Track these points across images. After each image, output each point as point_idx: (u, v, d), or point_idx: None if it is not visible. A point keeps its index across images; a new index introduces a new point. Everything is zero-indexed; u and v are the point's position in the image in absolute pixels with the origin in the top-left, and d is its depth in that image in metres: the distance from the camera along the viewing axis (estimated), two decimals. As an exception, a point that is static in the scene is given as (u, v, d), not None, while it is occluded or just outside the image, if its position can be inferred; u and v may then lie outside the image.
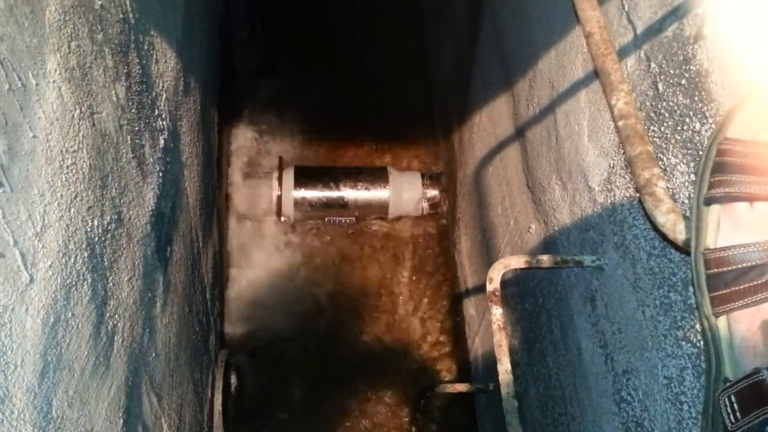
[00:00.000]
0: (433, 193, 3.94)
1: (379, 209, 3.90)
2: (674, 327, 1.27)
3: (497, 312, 1.73)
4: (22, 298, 0.97)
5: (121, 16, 1.49)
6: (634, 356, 1.47)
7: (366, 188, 3.84)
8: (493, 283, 1.71)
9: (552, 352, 2.08)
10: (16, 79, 0.94)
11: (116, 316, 1.47)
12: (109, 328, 1.41)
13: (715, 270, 0.88)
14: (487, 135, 2.93)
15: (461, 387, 3.10)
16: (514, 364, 2.42)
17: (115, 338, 1.47)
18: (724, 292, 0.87)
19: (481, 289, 3.17)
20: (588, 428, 1.79)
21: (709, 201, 0.89)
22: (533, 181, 2.24)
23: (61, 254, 1.12)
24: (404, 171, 4.03)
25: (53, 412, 1.10)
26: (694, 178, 1.16)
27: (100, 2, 1.32)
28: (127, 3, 1.53)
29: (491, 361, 2.33)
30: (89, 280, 1.27)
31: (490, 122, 2.87)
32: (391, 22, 4.59)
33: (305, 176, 3.83)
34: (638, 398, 1.46)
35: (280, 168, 3.83)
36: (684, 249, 0.98)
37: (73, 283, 1.19)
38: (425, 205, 3.96)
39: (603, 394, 1.67)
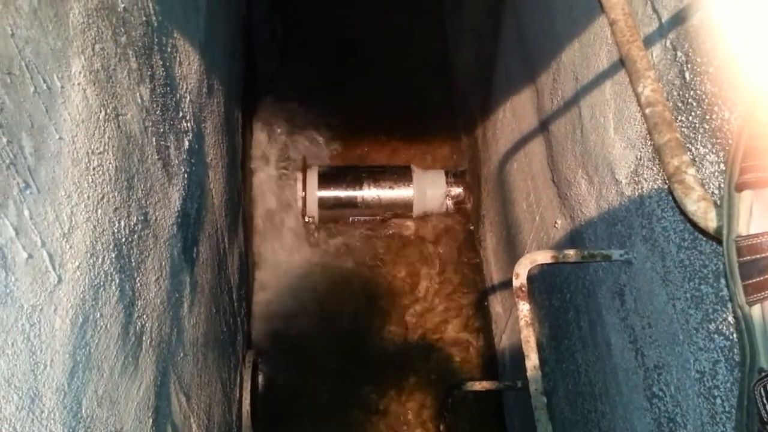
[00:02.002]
0: (457, 190, 3.92)
1: (404, 208, 3.90)
2: (706, 320, 1.25)
3: (524, 308, 1.72)
4: (51, 298, 0.98)
5: (144, 18, 1.50)
6: (665, 351, 1.44)
7: (390, 187, 3.84)
8: (520, 279, 1.70)
9: (581, 348, 2.06)
10: (41, 82, 0.94)
11: (144, 317, 1.48)
12: (137, 328, 1.42)
13: (748, 257, 0.86)
14: (510, 130, 2.91)
15: (489, 384, 3.08)
16: (543, 361, 2.40)
17: (144, 338, 1.48)
18: (758, 279, 0.85)
19: (507, 285, 3.15)
20: (619, 425, 1.77)
21: (741, 186, 0.87)
22: (559, 176, 2.21)
23: (88, 255, 1.13)
24: (428, 169, 4.02)
25: (83, 411, 1.11)
26: (724, 168, 1.14)
27: (123, 5, 1.33)
28: (150, 6, 1.54)
29: (519, 358, 2.31)
30: (117, 281, 1.28)
31: (513, 117, 2.85)
32: (409, 20, 4.59)
33: (329, 176, 3.84)
34: (670, 393, 1.43)
35: (304, 168, 3.84)
36: (715, 237, 0.96)
37: (101, 283, 1.20)
38: (450, 202, 3.94)
39: (634, 390, 1.64)
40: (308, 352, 3.65)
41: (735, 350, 1.15)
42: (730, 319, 1.16)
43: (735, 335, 1.14)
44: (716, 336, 1.21)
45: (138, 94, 1.44)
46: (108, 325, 1.23)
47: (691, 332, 1.31)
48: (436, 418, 3.47)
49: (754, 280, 0.85)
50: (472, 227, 3.99)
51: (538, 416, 1.74)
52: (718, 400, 1.22)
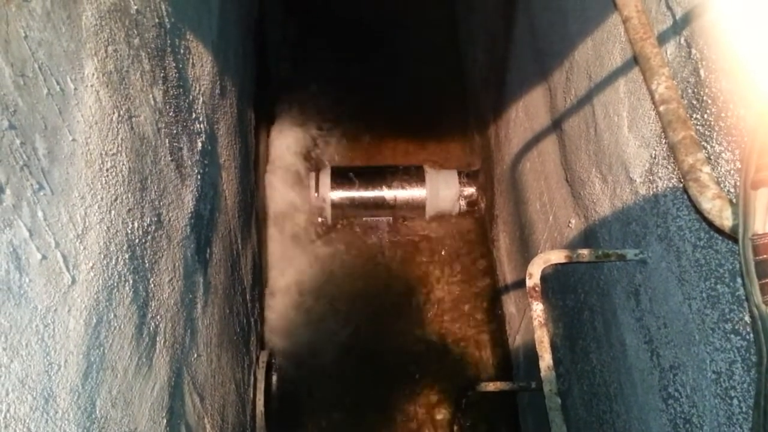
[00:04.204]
0: (470, 190, 3.91)
1: (417, 208, 3.89)
2: (722, 320, 1.24)
3: (538, 308, 1.71)
4: (65, 299, 0.98)
5: (157, 20, 1.50)
6: (681, 351, 1.43)
7: (403, 187, 3.83)
8: (533, 279, 1.69)
9: (595, 349, 2.05)
10: (54, 84, 0.95)
11: (158, 317, 1.49)
12: (151, 328, 1.43)
13: (765, 256, 0.85)
14: (523, 130, 2.90)
15: (503, 385, 3.06)
16: (557, 362, 2.38)
17: (157, 339, 1.48)
18: (775, 278, 0.84)
19: (521, 286, 3.13)
20: (634, 425, 1.75)
21: (757, 184, 0.86)
22: (572, 175, 2.20)
23: (102, 256, 1.14)
24: (441, 169, 4.01)
25: (97, 411, 1.11)
26: (739, 166, 1.12)
27: (135, 7, 1.34)
28: (163, 8, 1.54)
29: (533, 359, 2.30)
30: (131, 282, 1.29)
31: (526, 117, 2.84)
32: (422, 21, 4.59)
33: (342, 176, 3.84)
34: (686, 394, 1.42)
35: (317, 169, 3.84)
36: (731, 236, 0.95)
37: (115, 284, 1.20)
38: (463, 203, 3.93)
39: (649, 391, 1.63)
40: (322, 352, 3.65)
41: (752, 350, 1.14)
42: (747, 318, 1.15)
43: (751, 335, 1.13)
44: (732, 336, 1.20)
45: (151, 95, 1.45)
46: (122, 326, 1.24)
47: (707, 332, 1.29)
48: (450, 419, 3.46)
49: (771, 279, 0.84)
50: (485, 227, 3.98)
51: (553, 417, 1.73)
52: (735, 401, 1.20)
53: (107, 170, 1.16)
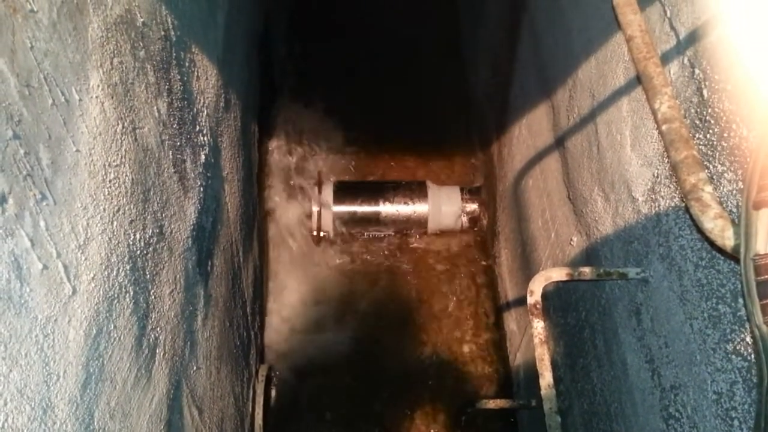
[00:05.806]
0: (472, 207, 3.91)
1: (419, 223, 3.89)
2: (724, 340, 1.23)
3: (538, 325, 1.70)
4: (65, 309, 0.98)
5: (163, 33, 1.51)
6: (682, 371, 1.42)
7: (405, 203, 3.83)
8: (534, 296, 1.68)
9: (596, 368, 2.04)
10: (59, 94, 0.96)
11: (158, 329, 1.48)
12: (150, 340, 1.43)
13: (767, 277, 0.84)
14: (526, 147, 2.90)
15: (503, 403, 3.05)
16: (557, 380, 2.37)
17: (157, 351, 1.48)
18: (777, 299, 0.84)
19: (522, 303, 3.12)
20: (635, 446, 1.74)
21: (759, 204, 0.86)
22: (574, 193, 2.20)
23: (103, 267, 1.14)
24: (443, 185, 4.02)
25: (95, 423, 1.11)
26: (742, 186, 1.12)
27: (142, 19, 1.35)
28: (169, 21, 1.56)
29: (533, 377, 2.29)
30: (131, 293, 1.29)
31: (529, 134, 2.84)
32: (426, 38, 4.61)
33: (344, 191, 3.84)
34: (687, 414, 1.41)
35: (320, 183, 3.85)
36: (733, 256, 0.95)
37: (116, 295, 1.20)
38: (465, 219, 3.93)
39: (650, 411, 1.62)
40: (321, 367, 3.63)
41: (753, 371, 1.13)
42: (748, 339, 1.14)
43: (753, 356, 1.13)
44: (734, 356, 1.19)
45: (155, 107, 1.45)
46: (122, 337, 1.24)
47: (709, 352, 1.29)
48: (450, 436, 3.44)
49: (773, 300, 0.84)
50: (486, 244, 3.98)
51: (553, 436, 1.72)
52: (736, 422, 1.20)
53: (110, 181, 1.17)
